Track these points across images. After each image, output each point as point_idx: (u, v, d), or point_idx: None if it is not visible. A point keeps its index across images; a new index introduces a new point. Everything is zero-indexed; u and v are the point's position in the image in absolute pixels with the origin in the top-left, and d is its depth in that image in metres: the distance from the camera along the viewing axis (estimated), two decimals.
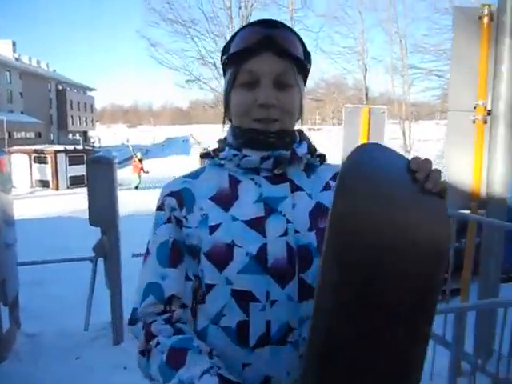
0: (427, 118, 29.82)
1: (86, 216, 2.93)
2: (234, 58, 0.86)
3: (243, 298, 0.79)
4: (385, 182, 0.67)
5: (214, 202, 0.86)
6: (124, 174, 16.99)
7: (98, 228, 2.90)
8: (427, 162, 0.74)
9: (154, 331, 0.80)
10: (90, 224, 2.89)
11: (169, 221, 0.87)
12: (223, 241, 0.82)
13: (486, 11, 2.14)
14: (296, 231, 0.83)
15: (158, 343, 0.78)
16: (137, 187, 16.99)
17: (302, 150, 0.89)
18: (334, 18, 23.73)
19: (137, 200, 11.44)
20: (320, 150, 0.96)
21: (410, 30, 24.84)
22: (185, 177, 0.91)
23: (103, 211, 2.80)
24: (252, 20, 0.96)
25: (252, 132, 0.85)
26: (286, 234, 0.83)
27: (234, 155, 0.86)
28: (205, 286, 0.83)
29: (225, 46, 0.91)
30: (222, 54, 0.91)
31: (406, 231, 0.65)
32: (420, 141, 21.94)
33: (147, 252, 0.88)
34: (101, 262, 2.99)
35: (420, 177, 0.71)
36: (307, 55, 0.92)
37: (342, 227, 0.63)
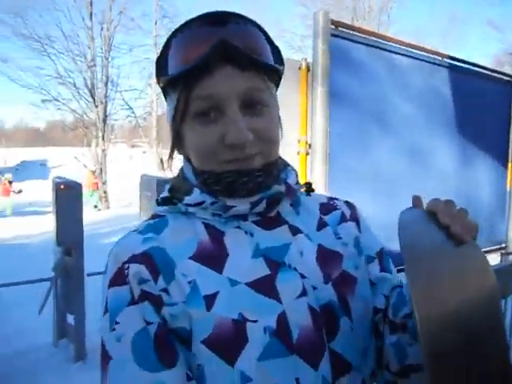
0: None
1: None
2: (178, 80, 0.62)
3: None
4: (442, 262, 0.56)
5: (199, 262, 0.62)
6: None
7: None
8: (451, 205, 0.60)
9: None
10: None
11: (139, 300, 0.58)
12: (228, 316, 0.59)
13: (303, 63, 2.59)
14: (314, 287, 0.64)
15: None
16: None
17: (292, 181, 0.71)
18: None
19: None
20: None
21: None
22: (141, 232, 0.64)
23: None
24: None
25: (231, 175, 0.63)
26: (305, 293, 0.63)
27: (212, 203, 0.65)
28: None
29: (158, 60, 0.66)
30: (158, 72, 0.66)
31: (477, 303, 0.55)
32: None
33: (106, 359, 0.58)
34: None
35: (457, 231, 0.56)
36: (276, 52, 0.67)
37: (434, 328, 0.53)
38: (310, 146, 2.62)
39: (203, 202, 0.64)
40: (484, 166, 3.98)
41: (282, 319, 0.59)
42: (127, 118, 20.70)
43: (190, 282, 0.60)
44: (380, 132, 2.99)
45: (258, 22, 0.66)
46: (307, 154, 2.65)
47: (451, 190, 3.75)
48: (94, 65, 17.74)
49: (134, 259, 0.59)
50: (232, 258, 0.63)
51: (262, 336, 0.57)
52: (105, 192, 17.11)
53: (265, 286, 0.61)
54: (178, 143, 0.68)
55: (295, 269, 0.64)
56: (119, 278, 0.59)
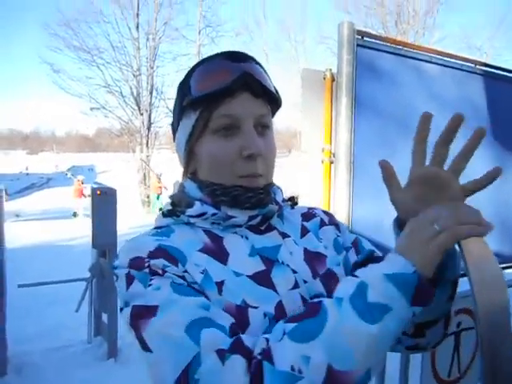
0: None
1: None
2: (205, 100, 0.72)
3: None
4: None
5: (207, 254, 0.71)
6: (22, 205, 15.97)
7: None
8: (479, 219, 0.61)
9: (248, 346, 0.58)
10: None
11: (165, 273, 0.65)
12: (233, 302, 0.67)
13: (328, 73, 2.63)
14: (305, 281, 0.74)
15: (268, 346, 0.57)
16: (75, 214, 15.69)
17: (279, 198, 0.83)
18: None
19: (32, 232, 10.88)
20: None
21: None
22: (150, 235, 0.73)
23: None
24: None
25: (238, 190, 0.73)
26: (296, 285, 0.73)
27: (213, 214, 0.74)
28: None
29: (181, 84, 0.77)
30: (180, 95, 0.77)
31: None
32: None
33: (143, 311, 0.62)
34: None
35: None
36: (276, 90, 0.81)
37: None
38: (334, 155, 2.65)
39: (204, 213, 0.74)
40: None
41: (280, 307, 0.69)
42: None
43: (202, 272, 0.68)
44: (406, 140, 2.96)
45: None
46: (331, 162, 2.68)
47: (486, 197, 3.65)
48: (140, 74, 18.42)
49: (151, 255, 0.66)
50: (232, 255, 0.72)
51: (261, 320, 0.66)
52: (147, 196, 17.64)
53: (263, 279, 0.71)
54: (189, 160, 0.79)
55: (287, 265, 0.75)
56: (140, 265, 0.65)
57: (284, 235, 0.79)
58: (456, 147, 2.79)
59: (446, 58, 3.12)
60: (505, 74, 3.50)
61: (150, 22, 19.02)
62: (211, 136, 0.74)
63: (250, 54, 0.79)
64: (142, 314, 0.62)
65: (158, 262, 0.65)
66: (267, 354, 0.55)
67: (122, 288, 0.66)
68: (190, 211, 0.75)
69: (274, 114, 0.82)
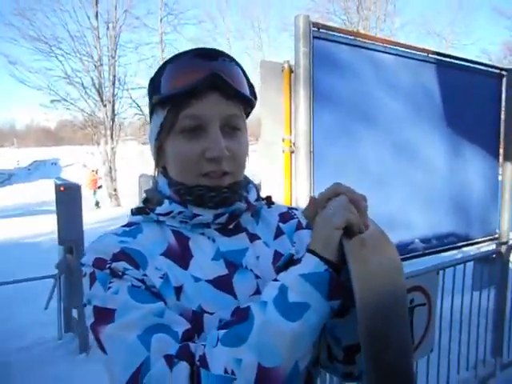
0: None
1: None
2: (171, 100, 0.73)
3: None
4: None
5: (169, 258, 0.73)
6: None
7: None
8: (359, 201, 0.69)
9: (193, 352, 0.62)
10: None
11: (124, 275, 0.68)
12: (189, 307, 0.69)
13: (286, 65, 2.70)
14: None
15: (203, 353, 0.61)
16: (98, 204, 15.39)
17: (252, 197, 0.82)
18: (203, 43, 24.66)
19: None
20: None
21: (274, 58, 26.73)
22: (118, 235, 0.74)
23: None
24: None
25: (201, 189, 0.74)
26: (258, 291, 0.74)
27: (180, 212, 0.75)
28: None
29: (152, 80, 0.78)
30: (150, 91, 0.78)
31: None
32: None
33: (109, 314, 0.65)
34: None
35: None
36: (251, 88, 0.79)
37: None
38: (294, 144, 2.73)
39: (171, 212, 0.75)
40: (475, 159, 4.04)
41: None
42: (135, 116, 20.89)
43: (162, 276, 0.69)
44: (365, 128, 3.08)
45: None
46: (292, 152, 2.76)
47: (442, 182, 3.82)
48: (101, 64, 17.97)
49: (113, 258, 0.68)
50: (195, 258, 0.73)
51: (216, 326, 0.66)
52: (115, 190, 17.38)
53: (223, 284, 0.71)
54: (159, 156, 0.80)
55: (251, 270, 0.75)
56: (102, 266, 0.68)
57: (253, 237, 0.79)
58: (414, 133, 2.86)
59: (399, 48, 3.24)
60: (455, 61, 3.66)
61: (110, 11, 18.56)
62: (177, 136, 0.73)
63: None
64: (100, 316, 0.66)
65: (119, 265, 0.68)
66: (203, 361, 0.59)
67: (86, 286, 0.70)
68: (159, 209, 0.76)
69: (248, 113, 0.80)
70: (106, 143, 18.04)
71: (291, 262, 0.69)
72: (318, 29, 2.75)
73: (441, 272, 2.17)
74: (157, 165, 0.82)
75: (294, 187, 2.73)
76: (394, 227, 3.36)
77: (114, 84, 18.28)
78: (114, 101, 18.21)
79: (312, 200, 0.72)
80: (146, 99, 0.82)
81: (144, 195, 0.82)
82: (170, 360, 0.59)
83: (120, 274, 0.68)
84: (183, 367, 0.59)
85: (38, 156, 42.18)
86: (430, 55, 3.46)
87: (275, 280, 0.66)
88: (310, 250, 0.67)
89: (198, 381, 0.58)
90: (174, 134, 0.74)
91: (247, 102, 0.77)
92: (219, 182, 0.74)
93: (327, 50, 2.82)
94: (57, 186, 3.04)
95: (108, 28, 18.47)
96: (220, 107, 0.72)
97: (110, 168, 17.77)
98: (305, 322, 0.61)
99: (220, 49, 0.76)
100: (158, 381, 0.59)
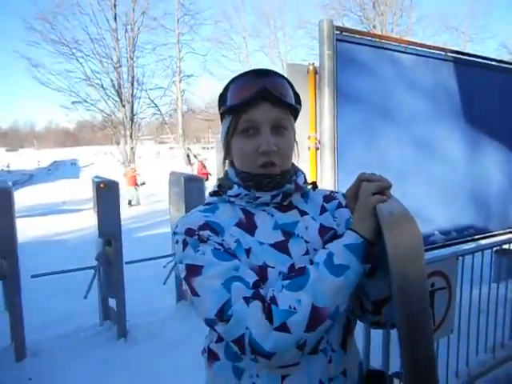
0: None
1: None
2: (234, 109, 0.94)
3: None
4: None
5: (240, 228, 0.93)
6: None
7: None
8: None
9: (263, 295, 0.83)
10: None
11: (209, 240, 0.89)
12: (256, 263, 0.89)
13: (311, 67, 2.86)
14: (314, 249, 0.93)
15: (273, 295, 0.83)
16: (130, 202, 15.43)
17: (301, 181, 1.01)
18: (219, 42, 24.91)
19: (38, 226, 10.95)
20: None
21: (290, 55, 26.77)
22: (201, 212, 0.96)
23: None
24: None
25: (259, 177, 0.94)
26: (307, 253, 0.93)
27: (246, 195, 0.96)
28: None
29: (221, 95, 0.99)
30: (220, 103, 0.99)
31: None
32: None
33: (196, 269, 0.87)
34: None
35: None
36: (296, 96, 1.01)
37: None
38: (319, 141, 2.89)
39: (240, 194, 0.96)
40: (494, 154, 4.13)
41: (293, 268, 0.90)
42: (153, 116, 21.22)
43: (235, 241, 0.91)
44: (386, 126, 3.22)
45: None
46: (317, 149, 2.92)
47: (462, 177, 3.94)
48: (120, 65, 18.33)
49: (200, 228, 0.90)
50: (259, 228, 0.94)
51: (277, 277, 0.88)
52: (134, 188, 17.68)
53: (281, 247, 0.92)
54: (227, 152, 1.01)
55: (302, 237, 0.95)
56: (192, 233, 0.90)
57: (303, 213, 0.99)
58: (434, 129, 3.01)
59: (418, 48, 3.37)
60: (473, 59, 3.77)
61: (128, 13, 18.92)
62: (239, 135, 0.94)
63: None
64: (192, 271, 0.88)
65: (205, 233, 0.90)
66: (273, 300, 0.82)
67: (179, 249, 0.91)
68: (230, 192, 0.97)
69: (295, 115, 1.01)
70: (126, 143, 18.38)
71: (335, 236, 0.94)
72: (341, 32, 2.91)
73: (460, 258, 2.30)
74: (225, 159, 1.04)
75: (319, 181, 2.89)
76: (416, 220, 3.48)
77: (132, 85, 18.66)
78: (132, 101, 18.57)
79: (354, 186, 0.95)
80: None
81: (217, 182, 1.03)
82: (247, 300, 0.81)
83: (205, 239, 0.89)
84: (258, 304, 0.81)
85: (58, 156, 42.98)
86: (448, 54, 3.58)
87: (323, 248, 0.89)
88: (350, 229, 0.89)
89: (269, 313, 0.80)
90: (236, 135, 0.95)
91: (292, 107, 0.97)
92: (271, 171, 0.94)
93: (350, 51, 2.97)
94: (97, 184, 3.25)
95: (126, 30, 18.86)
96: (269, 113, 0.92)
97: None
98: (345, 278, 0.84)
99: (273, 68, 1.00)
100: (239, 313, 0.81)
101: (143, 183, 16.55)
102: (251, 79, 0.93)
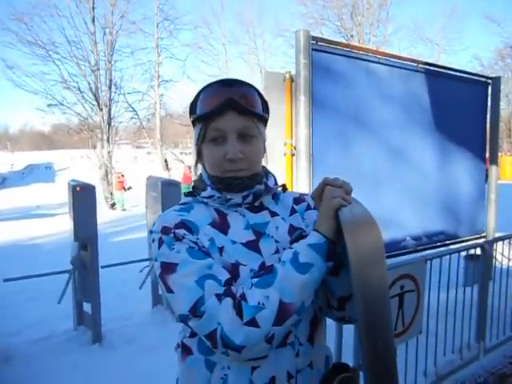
0: None
1: None
2: (203, 118, 0.98)
3: None
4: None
5: (213, 227, 0.98)
6: None
7: None
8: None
9: (234, 292, 0.87)
10: None
11: (184, 238, 0.93)
12: (229, 261, 0.94)
13: (287, 75, 2.93)
14: (284, 248, 0.97)
15: (243, 292, 0.87)
16: (113, 206, 15.97)
17: (271, 183, 1.07)
18: (199, 48, 24.92)
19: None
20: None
21: (269, 63, 26.98)
22: (177, 211, 0.99)
23: None
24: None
25: (228, 179, 0.98)
26: (277, 251, 0.99)
27: (218, 197, 1.00)
28: None
29: (191, 104, 1.04)
30: (190, 112, 1.04)
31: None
32: None
33: (171, 267, 0.91)
34: None
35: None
36: (264, 104, 1.05)
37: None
38: (295, 147, 2.96)
39: (213, 196, 1.01)
40: (463, 162, 4.29)
41: (262, 265, 0.95)
42: (131, 120, 21.02)
43: (209, 240, 0.95)
44: (360, 133, 3.32)
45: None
46: (293, 154, 2.99)
47: (433, 184, 4.07)
48: (98, 69, 18.10)
49: (175, 226, 0.94)
50: (232, 228, 0.99)
51: (248, 274, 0.93)
52: (111, 193, 17.50)
53: (252, 246, 0.97)
54: (199, 157, 1.06)
55: (272, 237, 1.01)
56: (168, 232, 0.93)
57: (273, 214, 1.05)
58: (406, 137, 3.11)
59: (391, 59, 3.50)
60: (443, 71, 3.92)
61: (107, 16, 18.74)
62: (208, 143, 1.00)
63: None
64: (167, 268, 0.92)
65: (180, 232, 0.94)
66: (243, 297, 0.86)
67: (155, 247, 0.95)
68: (203, 193, 1.02)
69: (263, 122, 1.04)
70: (103, 147, 18.16)
71: (300, 236, 0.98)
72: (317, 42, 2.99)
73: (428, 262, 2.39)
74: (197, 163, 1.09)
75: (295, 186, 2.96)
76: (387, 226, 3.59)
77: (110, 88, 18.42)
78: (110, 105, 18.34)
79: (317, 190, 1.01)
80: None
81: (192, 184, 1.09)
82: (219, 296, 0.86)
83: (180, 238, 0.93)
84: (229, 300, 0.86)
85: (33, 160, 42.06)
86: (419, 65, 3.71)
87: (290, 248, 0.94)
88: (314, 229, 0.95)
89: (239, 309, 0.85)
90: (206, 142, 1.00)
91: (260, 115, 1.02)
92: (237, 173, 0.99)
93: (325, 61, 3.06)
94: (73, 187, 3.24)
95: (105, 33, 18.63)
96: (236, 122, 0.96)
97: (106, 172, 17.90)
98: (310, 275, 0.89)
99: (239, 78, 1.04)
100: (211, 309, 0.86)
101: (130, 188, 16.68)
102: (219, 89, 0.98)
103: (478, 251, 3.06)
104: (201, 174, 1.08)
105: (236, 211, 1.02)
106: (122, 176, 16.91)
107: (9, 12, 17.97)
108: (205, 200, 1.02)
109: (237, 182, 0.99)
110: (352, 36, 24.59)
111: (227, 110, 0.96)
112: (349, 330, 2.08)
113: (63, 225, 7.16)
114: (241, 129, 0.97)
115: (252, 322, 0.84)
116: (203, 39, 25.86)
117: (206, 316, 0.86)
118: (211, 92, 0.99)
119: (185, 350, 1.01)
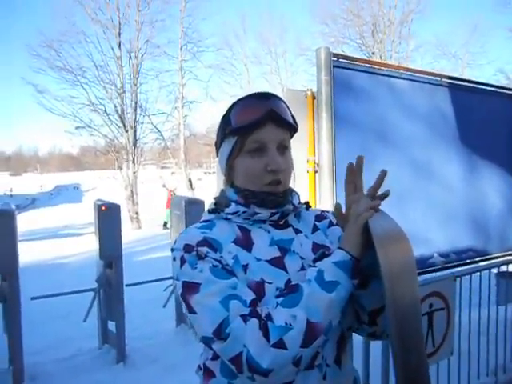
0: None
1: None
2: (241, 130, 0.97)
3: None
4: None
5: (237, 245, 0.96)
6: None
7: None
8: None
9: (259, 313, 0.85)
10: None
11: (207, 257, 0.91)
12: (254, 279, 0.92)
13: (309, 93, 2.94)
14: (309, 265, 0.96)
15: (268, 312, 0.85)
16: (165, 224, 15.24)
17: (296, 201, 1.06)
18: (221, 69, 25.30)
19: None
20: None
21: (291, 81, 27.16)
22: (199, 228, 0.98)
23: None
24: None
25: (264, 194, 0.98)
26: (303, 268, 0.97)
27: (244, 212, 0.99)
28: None
29: (223, 117, 1.03)
30: (224, 125, 1.02)
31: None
32: None
33: (194, 287, 0.88)
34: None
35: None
36: (293, 117, 1.06)
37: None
38: (318, 164, 2.94)
39: (237, 212, 1.00)
40: (492, 177, 4.17)
41: (288, 283, 0.93)
42: (156, 141, 21.36)
43: (233, 258, 0.93)
44: (384, 149, 3.28)
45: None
46: (316, 172, 2.97)
47: (460, 200, 3.97)
48: (124, 91, 18.57)
49: (198, 244, 0.92)
50: (256, 245, 0.97)
51: (274, 292, 0.91)
52: (136, 213, 17.72)
53: (277, 263, 0.96)
54: (230, 173, 1.04)
55: (297, 253, 0.99)
56: (190, 250, 0.91)
57: (297, 231, 1.04)
58: (431, 152, 3.06)
59: (413, 74, 3.46)
60: (467, 84, 3.86)
61: (132, 41, 19.29)
62: (245, 155, 0.99)
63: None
64: (189, 288, 0.89)
65: (203, 250, 0.92)
66: (269, 317, 0.84)
67: (177, 266, 0.93)
68: (227, 210, 1.00)
69: (292, 136, 1.07)
70: (128, 168, 18.48)
71: (323, 255, 0.96)
72: (338, 59, 2.99)
73: (457, 280, 2.32)
74: (227, 179, 1.07)
75: (318, 203, 2.93)
76: (414, 242, 3.45)
77: (135, 110, 18.83)
78: (135, 126, 18.72)
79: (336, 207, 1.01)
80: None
81: (214, 200, 1.07)
82: (245, 317, 0.83)
83: (203, 256, 0.91)
84: (255, 321, 0.83)
85: (61, 181, 43.20)
86: (442, 79, 3.66)
87: (314, 266, 0.93)
88: (339, 248, 0.94)
89: (265, 330, 0.83)
90: (243, 154, 0.99)
91: (292, 128, 1.04)
92: (276, 189, 0.99)
93: (346, 77, 3.05)
94: (99, 206, 3.30)
95: (130, 57, 19.16)
96: (275, 133, 0.98)
97: (132, 192, 18.18)
98: (337, 293, 0.87)
99: (270, 91, 1.06)
100: (237, 331, 0.83)
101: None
102: (256, 102, 0.98)
103: (510, 268, 2.95)
104: (223, 191, 1.06)
105: (260, 227, 1.00)
106: (174, 194, 16.61)
107: (39, 39, 18.53)
108: (229, 216, 1.00)
109: (270, 198, 0.98)
110: (373, 53, 24.59)
111: (267, 121, 0.96)
112: (376, 350, 2.02)
113: (90, 244, 7.27)
114: (280, 141, 0.99)
115: (279, 344, 0.81)
116: (225, 60, 26.26)
117: (231, 338, 0.82)
118: (248, 105, 0.99)
119: (207, 373, 0.99)
